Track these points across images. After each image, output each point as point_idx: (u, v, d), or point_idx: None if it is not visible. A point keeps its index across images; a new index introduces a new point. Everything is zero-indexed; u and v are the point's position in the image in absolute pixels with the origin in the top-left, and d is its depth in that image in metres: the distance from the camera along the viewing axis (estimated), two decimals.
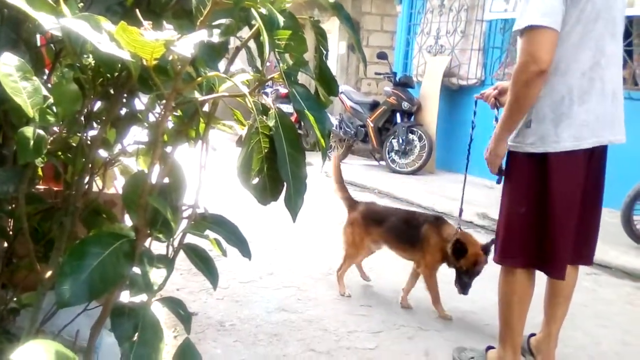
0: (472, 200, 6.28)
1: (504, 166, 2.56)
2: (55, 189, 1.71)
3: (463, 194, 3.43)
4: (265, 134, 0.97)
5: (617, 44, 2.40)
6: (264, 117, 0.97)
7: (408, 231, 3.54)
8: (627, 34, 6.25)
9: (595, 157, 2.48)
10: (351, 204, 3.88)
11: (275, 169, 0.95)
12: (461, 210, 3.38)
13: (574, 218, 2.44)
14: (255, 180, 1.00)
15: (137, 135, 1.51)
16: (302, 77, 1.15)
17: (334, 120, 9.23)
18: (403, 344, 3.02)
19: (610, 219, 5.44)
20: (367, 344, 2.98)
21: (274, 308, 3.35)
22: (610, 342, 3.23)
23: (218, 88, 1.02)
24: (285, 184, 0.96)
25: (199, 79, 0.95)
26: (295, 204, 0.96)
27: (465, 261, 3.26)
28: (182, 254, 1.09)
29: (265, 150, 0.97)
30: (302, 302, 3.49)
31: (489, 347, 2.82)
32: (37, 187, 1.66)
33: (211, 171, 1.34)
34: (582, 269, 4.11)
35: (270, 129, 0.94)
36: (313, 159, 8.51)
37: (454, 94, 8.54)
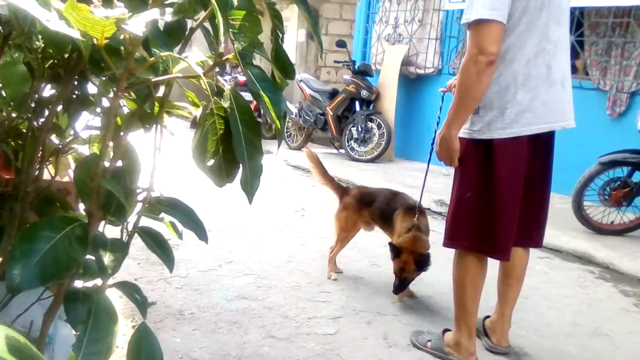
0: (429, 188, 6.36)
1: None
2: (7, 177, 1.66)
3: (424, 186, 3.47)
4: (220, 115, 0.96)
5: (564, 31, 2.46)
6: (219, 99, 0.96)
7: (387, 212, 3.60)
8: (579, 25, 6.41)
9: (541, 143, 2.55)
10: (342, 190, 3.96)
11: (231, 151, 0.94)
12: (420, 202, 3.43)
13: (517, 202, 2.50)
14: (211, 162, 0.99)
15: (90, 121, 1.48)
16: (261, 64, 1.15)
17: (294, 109, 9.20)
18: (362, 329, 3.05)
19: (561, 204, 5.63)
20: (327, 330, 3.00)
21: (234, 296, 3.34)
22: (562, 323, 3.33)
23: (172, 69, 1.01)
24: (240, 165, 0.96)
25: (152, 59, 0.94)
26: (252, 186, 0.95)
27: (394, 264, 3.32)
28: (140, 244, 1.07)
29: (221, 132, 0.97)
30: (261, 289, 3.48)
31: (446, 330, 2.87)
32: None
33: (168, 158, 1.33)
34: (536, 253, 4.25)
35: (225, 110, 0.94)
36: (272, 147, 8.47)
37: (412, 83, 8.63)
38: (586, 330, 3.27)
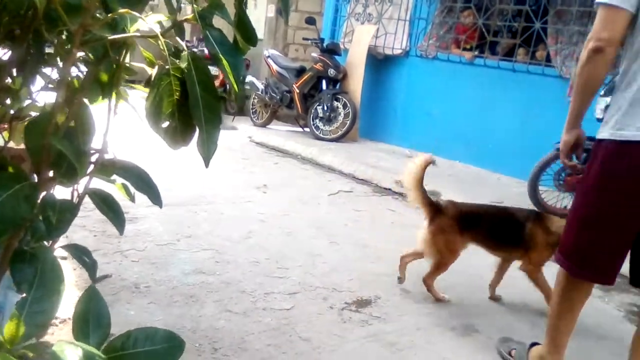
0: (391, 168, 6.42)
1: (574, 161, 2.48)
2: None
3: None
4: (177, 76, 0.94)
5: None
6: (177, 60, 0.94)
7: (508, 230, 3.28)
8: (545, 13, 6.49)
9: None
10: (435, 209, 3.29)
11: (187, 113, 0.92)
12: None
13: (623, 220, 2.20)
14: (166, 124, 0.97)
15: (45, 84, 1.43)
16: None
17: (260, 85, 9.12)
18: (318, 305, 3.07)
19: (517, 188, 5.75)
20: (283, 305, 3.02)
21: (191, 270, 3.32)
22: (512, 301, 3.41)
23: (130, 29, 0.98)
24: (197, 128, 0.94)
25: (109, 15, 0.91)
26: (208, 150, 0.94)
27: None
28: (97, 217, 1.05)
29: (177, 94, 0.95)
30: (220, 264, 3.47)
31: (534, 344, 2.69)
32: None
33: (125, 126, 1.30)
34: None
35: (182, 71, 0.92)
36: (238, 124, 8.42)
37: (379, 63, 8.63)
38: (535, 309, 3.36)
